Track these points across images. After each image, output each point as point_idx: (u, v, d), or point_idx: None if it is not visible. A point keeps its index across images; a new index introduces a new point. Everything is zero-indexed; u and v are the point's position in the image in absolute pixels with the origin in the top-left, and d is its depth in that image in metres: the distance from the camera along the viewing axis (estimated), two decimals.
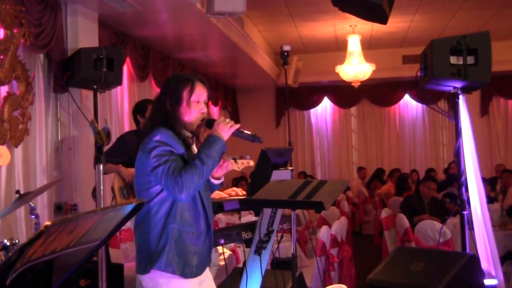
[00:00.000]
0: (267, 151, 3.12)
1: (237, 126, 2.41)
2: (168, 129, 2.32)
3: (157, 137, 2.26)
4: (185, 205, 2.32)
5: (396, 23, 8.32)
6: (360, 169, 11.25)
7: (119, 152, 4.33)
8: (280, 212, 3.33)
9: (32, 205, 3.09)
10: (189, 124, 2.38)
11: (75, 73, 4.72)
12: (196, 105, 2.39)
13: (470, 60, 3.57)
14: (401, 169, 10.62)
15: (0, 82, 4.11)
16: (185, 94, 2.37)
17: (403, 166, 11.33)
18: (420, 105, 11.66)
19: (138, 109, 4.45)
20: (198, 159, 2.26)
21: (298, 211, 4.55)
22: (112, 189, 4.34)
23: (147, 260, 2.29)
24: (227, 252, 4.06)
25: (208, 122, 2.42)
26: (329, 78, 10.58)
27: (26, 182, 4.46)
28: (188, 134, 2.42)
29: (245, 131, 2.49)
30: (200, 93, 2.40)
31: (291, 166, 4.18)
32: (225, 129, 2.37)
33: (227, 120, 2.40)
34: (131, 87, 6.79)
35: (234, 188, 3.57)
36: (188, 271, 2.31)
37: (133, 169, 4.30)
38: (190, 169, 2.23)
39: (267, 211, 3.23)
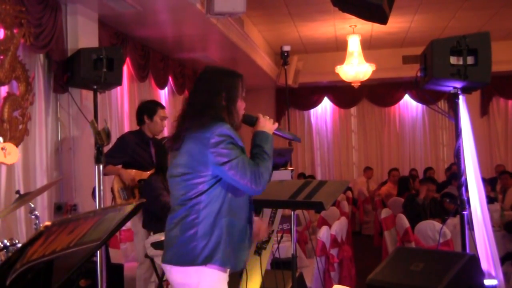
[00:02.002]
0: None
1: (277, 125, 2.44)
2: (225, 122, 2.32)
3: (220, 131, 2.22)
4: (235, 201, 2.30)
5: (396, 23, 8.32)
6: (367, 169, 11.22)
7: (119, 153, 4.34)
8: (280, 212, 3.33)
9: (32, 205, 3.09)
10: (240, 118, 2.41)
11: (75, 73, 4.72)
12: (244, 100, 2.43)
13: (470, 60, 3.57)
14: (401, 169, 10.64)
15: (0, 82, 4.11)
16: (240, 90, 2.40)
17: (403, 166, 11.34)
18: (420, 105, 11.65)
19: (145, 110, 4.43)
20: (266, 154, 2.28)
21: (298, 211, 4.55)
22: (112, 190, 4.35)
23: (197, 253, 2.23)
24: None
25: (248, 118, 2.43)
26: (329, 78, 10.58)
27: (26, 182, 4.46)
28: None
29: (285, 130, 2.56)
30: (244, 88, 2.45)
31: (291, 167, 4.19)
32: (270, 127, 2.39)
33: (267, 117, 2.42)
34: (131, 87, 6.79)
35: None
36: (239, 263, 2.32)
37: (133, 171, 4.34)
38: (263, 163, 2.24)
39: (267, 211, 3.23)
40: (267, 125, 2.38)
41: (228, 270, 2.31)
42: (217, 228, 2.25)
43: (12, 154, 2.93)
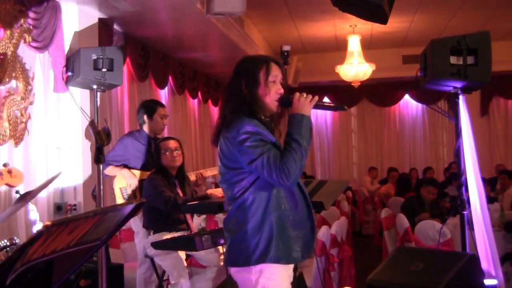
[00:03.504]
0: None
1: (316, 98, 2.33)
2: (249, 113, 2.27)
3: (244, 128, 2.20)
4: (282, 192, 2.26)
5: (396, 23, 8.32)
6: (371, 169, 11.22)
7: (121, 153, 4.36)
8: None
9: (32, 205, 3.09)
10: (269, 105, 2.32)
11: (75, 73, 4.72)
12: (273, 85, 2.33)
13: (470, 60, 3.57)
14: (401, 169, 10.64)
15: (0, 81, 4.11)
16: (261, 75, 2.31)
17: (403, 166, 11.34)
18: (420, 105, 11.66)
19: (145, 109, 4.45)
20: (294, 141, 2.20)
21: None
22: (113, 190, 4.35)
23: (248, 252, 2.23)
24: None
25: (283, 100, 2.35)
26: (329, 78, 10.58)
27: (26, 182, 4.45)
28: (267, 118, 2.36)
29: (326, 102, 2.43)
30: (276, 73, 2.35)
31: None
32: (306, 104, 2.29)
33: (304, 94, 2.32)
34: (131, 87, 6.79)
35: None
36: (294, 256, 2.27)
37: (135, 171, 4.34)
38: (290, 154, 2.17)
39: None
40: (301, 104, 2.29)
41: (289, 263, 2.28)
42: (267, 225, 2.22)
43: (17, 177, 2.98)
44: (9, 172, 2.88)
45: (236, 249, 2.28)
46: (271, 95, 2.33)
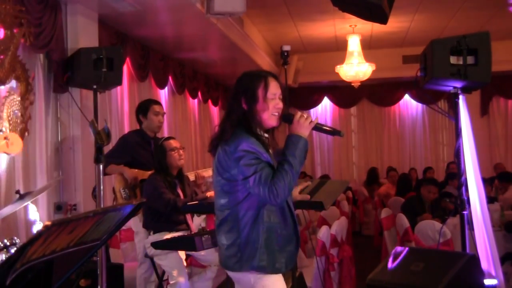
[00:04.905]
0: None
1: (316, 121, 2.43)
2: (247, 129, 2.36)
3: (242, 146, 2.30)
4: (272, 206, 2.37)
5: (396, 23, 8.32)
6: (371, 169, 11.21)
7: (121, 152, 4.36)
8: None
9: (32, 205, 3.09)
10: (266, 121, 2.41)
11: (75, 73, 4.72)
12: (272, 101, 2.40)
13: (470, 60, 3.57)
14: (401, 169, 10.62)
15: (0, 81, 4.11)
16: (260, 91, 2.39)
17: (403, 166, 11.34)
18: (420, 105, 11.66)
19: (139, 110, 4.49)
20: (286, 162, 2.31)
21: (298, 211, 4.55)
22: (113, 190, 4.35)
23: (239, 259, 2.37)
24: None
25: (285, 117, 2.44)
26: (329, 78, 10.58)
27: (26, 182, 4.46)
28: (264, 134, 2.47)
29: (325, 126, 2.50)
30: (275, 91, 2.43)
31: None
32: (305, 126, 2.38)
33: (305, 115, 2.41)
34: (131, 87, 6.79)
35: None
36: (278, 267, 2.38)
37: (135, 170, 4.34)
38: (281, 175, 2.28)
39: None
40: (301, 125, 2.38)
41: (273, 273, 2.38)
42: (255, 235, 2.35)
43: (15, 144, 2.93)
44: (6, 138, 2.82)
45: (228, 255, 2.42)
46: (270, 110, 2.40)
